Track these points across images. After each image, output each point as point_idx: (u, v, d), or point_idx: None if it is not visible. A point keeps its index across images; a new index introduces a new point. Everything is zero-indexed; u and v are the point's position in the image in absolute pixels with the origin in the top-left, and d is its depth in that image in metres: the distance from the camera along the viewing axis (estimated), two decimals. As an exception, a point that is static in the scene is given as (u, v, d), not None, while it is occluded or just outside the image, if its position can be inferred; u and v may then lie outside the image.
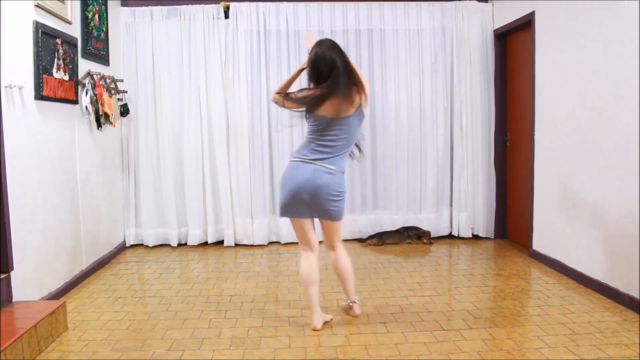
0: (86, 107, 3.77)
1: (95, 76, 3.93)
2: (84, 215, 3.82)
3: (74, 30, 3.70)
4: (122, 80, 4.54)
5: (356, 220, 4.90)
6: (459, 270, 3.98)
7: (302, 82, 2.89)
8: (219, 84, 4.73)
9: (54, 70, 3.35)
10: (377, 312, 3.09)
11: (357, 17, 4.82)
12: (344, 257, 2.92)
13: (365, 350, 2.57)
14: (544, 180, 4.07)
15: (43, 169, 3.23)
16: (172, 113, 4.76)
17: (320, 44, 2.68)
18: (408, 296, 3.37)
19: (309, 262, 2.83)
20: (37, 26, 3.13)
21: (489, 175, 4.97)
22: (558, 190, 3.85)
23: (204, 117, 4.75)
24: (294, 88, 2.91)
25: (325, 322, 2.91)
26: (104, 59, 4.23)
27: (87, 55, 3.89)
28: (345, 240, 4.89)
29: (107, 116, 4.01)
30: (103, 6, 4.20)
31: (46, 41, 3.24)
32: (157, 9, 4.71)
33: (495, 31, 4.85)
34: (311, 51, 2.69)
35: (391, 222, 4.97)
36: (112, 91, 4.24)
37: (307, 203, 2.73)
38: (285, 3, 4.77)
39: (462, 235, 4.97)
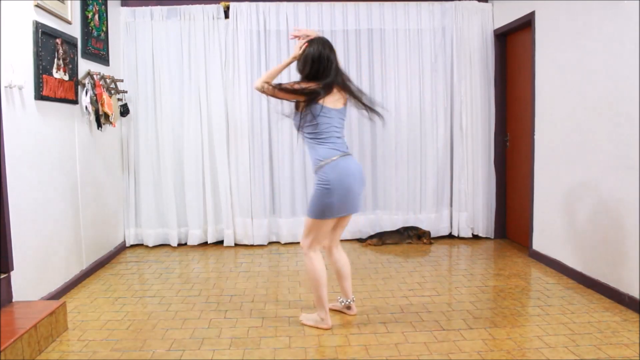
0: (86, 107, 3.76)
1: (95, 76, 3.93)
2: (84, 215, 3.82)
3: (74, 30, 3.70)
4: (122, 80, 4.54)
5: (356, 220, 4.89)
6: (459, 270, 3.98)
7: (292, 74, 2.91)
8: (219, 84, 4.73)
9: (54, 70, 3.35)
10: (377, 312, 3.09)
11: (357, 17, 4.82)
12: (345, 254, 2.96)
13: (365, 350, 2.57)
14: (544, 180, 4.07)
15: (43, 169, 3.23)
16: (172, 113, 4.76)
17: (322, 44, 2.70)
18: (408, 296, 3.37)
19: (323, 262, 2.82)
20: (37, 26, 3.13)
21: (489, 175, 4.96)
22: (558, 190, 3.85)
23: (204, 117, 4.75)
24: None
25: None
26: (104, 59, 4.23)
27: (87, 55, 3.89)
28: (345, 240, 4.91)
29: (107, 116, 4.00)
30: (103, 6, 4.20)
31: (46, 41, 3.24)
32: (157, 9, 4.71)
33: (495, 31, 4.84)
34: (313, 47, 2.68)
35: (391, 222, 4.97)
36: (112, 91, 4.24)
37: (355, 196, 2.70)
38: (285, 3, 4.77)
39: (462, 235, 4.97)
